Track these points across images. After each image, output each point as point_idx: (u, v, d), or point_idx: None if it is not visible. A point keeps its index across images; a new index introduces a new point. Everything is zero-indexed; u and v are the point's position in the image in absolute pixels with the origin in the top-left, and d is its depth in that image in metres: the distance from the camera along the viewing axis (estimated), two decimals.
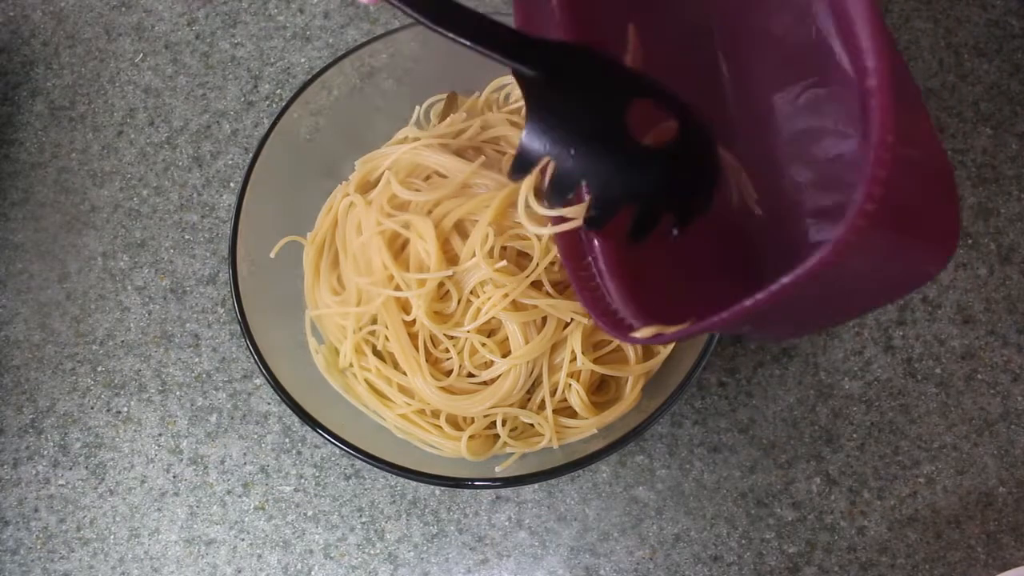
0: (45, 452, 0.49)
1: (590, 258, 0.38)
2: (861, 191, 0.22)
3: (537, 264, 0.40)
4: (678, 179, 0.31)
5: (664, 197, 0.31)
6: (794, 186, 0.36)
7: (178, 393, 0.50)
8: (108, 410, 0.50)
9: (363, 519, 0.47)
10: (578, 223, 0.37)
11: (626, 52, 0.37)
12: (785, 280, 0.24)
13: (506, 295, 0.40)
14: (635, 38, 0.37)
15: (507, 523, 0.46)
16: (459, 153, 0.44)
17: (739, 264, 0.38)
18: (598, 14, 0.39)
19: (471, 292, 0.41)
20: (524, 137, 0.30)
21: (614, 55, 0.32)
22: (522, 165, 0.31)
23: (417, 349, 0.42)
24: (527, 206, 0.38)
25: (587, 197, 0.32)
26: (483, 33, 0.29)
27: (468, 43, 0.29)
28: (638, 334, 0.32)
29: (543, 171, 0.37)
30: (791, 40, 0.34)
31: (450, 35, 0.28)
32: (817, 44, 0.32)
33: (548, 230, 0.38)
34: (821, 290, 0.25)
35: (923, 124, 0.30)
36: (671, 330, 0.30)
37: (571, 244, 0.38)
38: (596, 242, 0.38)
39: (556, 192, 0.31)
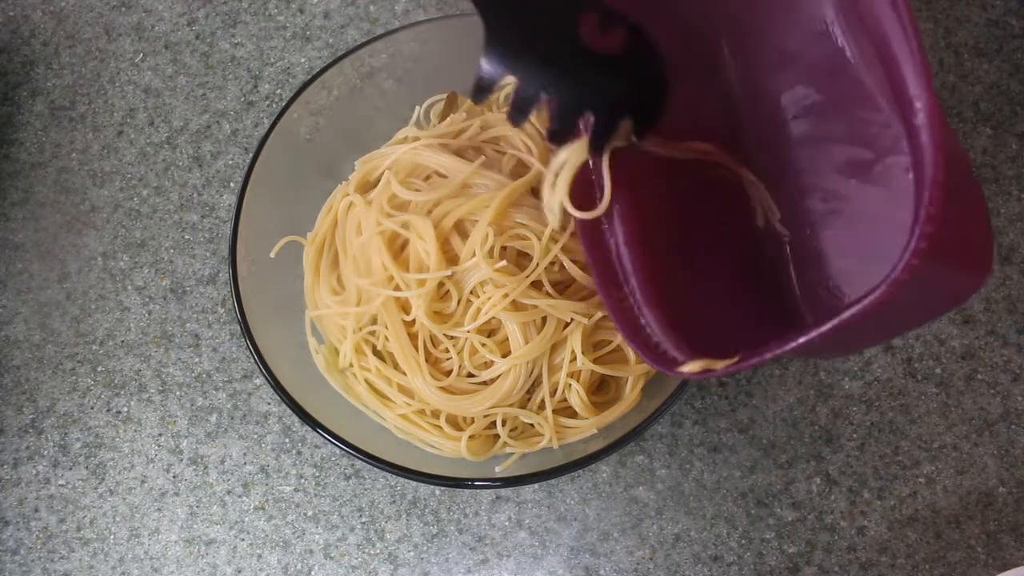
0: (45, 452, 0.49)
1: (627, 290, 0.37)
2: (916, 230, 0.22)
3: (537, 264, 0.40)
4: (632, 84, 0.33)
5: (621, 102, 0.33)
6: (815, 205, 0.36)
7: (178, 393, 0.50)
8: (108, 410, 0.50)
9: (363, 519, 0.47)
10: (595, 213, 0.37)
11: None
12: (838, 319, 0.25)
13: (506, 295, 0.40)
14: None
15: (507, 523, 0.46)
16: (459, 153, 0.44)
17: (769, 284, 0.38)
18: None
19: (471, 292, 0.41)
20: (483, 59, 0.31)
21: None
22: (483, 87, 0.31)
23: (417, 349, 0.42)
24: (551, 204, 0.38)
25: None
26: None
27: None
28: (686, 368, 0.32)
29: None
30: (808, 58, 0.34)
31: None
32: (836, 62, 0.32)
33: (554, 221, 0.38)
34: (870, 322, 0.25)
35: (954, 144, 0.30)
36: (719, 365, 0.30)
37: (607, 276, 0.37)
38: (632, 272, 0.37)
39: (519, 108, 0.32)
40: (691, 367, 0.31)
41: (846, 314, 0.24)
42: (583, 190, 0.38)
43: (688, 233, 0.39)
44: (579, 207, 0.37)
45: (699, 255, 0.38)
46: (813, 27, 0.33)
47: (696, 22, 0.39)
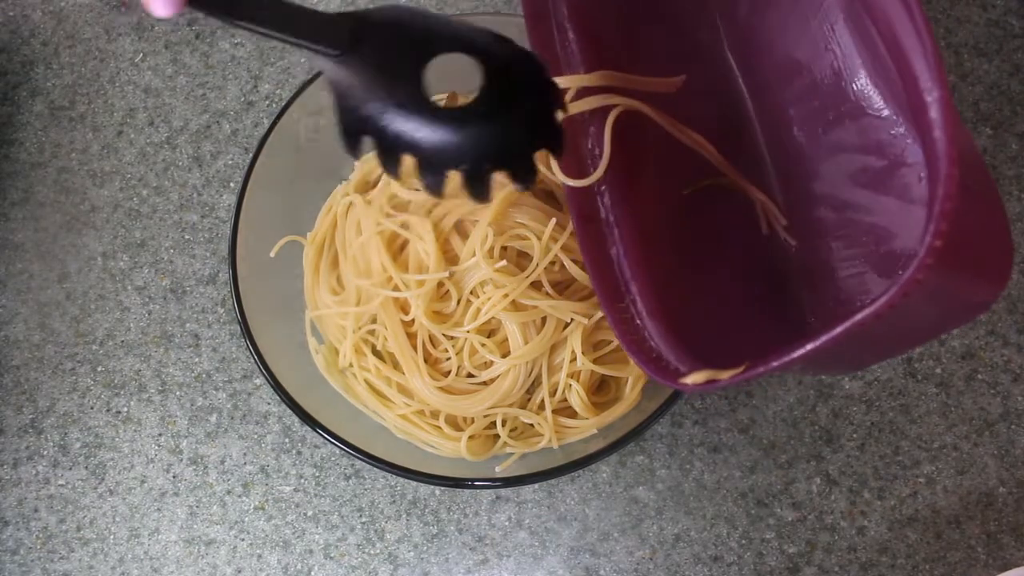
0: (45, 452, 0.49)
1: (628, 300, 0.36)
2: (930, 227, 0.22)
3: (537, 264, 0.40)
4: (496, 135, 0.30)
5: (488, 155, 0.30)
6: (827, 215, 0.36)
7: (178, 393, 0.50)
8: (108, 410, 0.50)
9: (363, 519, 0.47)
10: (591, 180, 0.37)
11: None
12: (848, 323, 0.24)
13: (506, 295, 0.40)
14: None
15: (507, 523, 0.46)
16: None
17: (777, 295, 0.37)
18: (613, 50, 0.39)
19: (471, 292, 0.41)
20: (339, 116, 0.30)
21: (414, 10, 0.30)
22: (350, 143, 0.31)
23: (416, 349, 0.42)
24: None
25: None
26: (281, 21, 0.28)
27: (267, 32, 0.27)
28: (689, 380, 0.30)
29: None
30: (817, 66, 0.34)
31: (249, 27, 0.27)
32: (845, 68, 0.32)
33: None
34: (880, 330, 0.24)
35: (969, 143, 0.29)
36: (723, 376, 0.29)
37: (609, 286, 0.37)
38: (632, 281, 0.37)
39: (387, 166, 0.30)
40: (694, 378, 0.30)
41: (857, 317, 0.23)
42: (578, 167, 0.38)
43: (691, 242, 0.38)
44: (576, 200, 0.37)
45: (703, 265, 0.38)
46: (821, 32, 0.33)
47: (700, 31, 0.38)
